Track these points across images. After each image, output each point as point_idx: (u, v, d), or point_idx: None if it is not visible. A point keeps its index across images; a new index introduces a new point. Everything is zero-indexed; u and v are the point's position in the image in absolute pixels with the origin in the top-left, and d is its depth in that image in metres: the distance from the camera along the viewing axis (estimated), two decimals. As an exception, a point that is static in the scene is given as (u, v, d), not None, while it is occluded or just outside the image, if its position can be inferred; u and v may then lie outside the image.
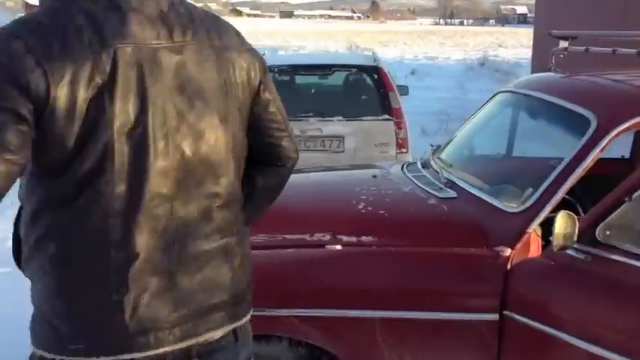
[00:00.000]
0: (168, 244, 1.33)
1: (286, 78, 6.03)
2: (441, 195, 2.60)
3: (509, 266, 2.16)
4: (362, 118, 5.70)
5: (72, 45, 1.21)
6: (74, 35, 1.22)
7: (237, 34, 1.48)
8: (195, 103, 1.35)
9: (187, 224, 1.36)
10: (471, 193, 2.55)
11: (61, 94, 1.20)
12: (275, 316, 2.11)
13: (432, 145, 3.39)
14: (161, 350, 1.33)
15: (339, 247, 2.27)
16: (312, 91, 6.20)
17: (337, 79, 6.27)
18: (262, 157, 1.56)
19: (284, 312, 2.11)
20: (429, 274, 2.23)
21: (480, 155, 3.32)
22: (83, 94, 1.21)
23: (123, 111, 1.25)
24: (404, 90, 6.63)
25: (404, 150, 5.68)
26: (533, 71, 12.59)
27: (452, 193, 2.60)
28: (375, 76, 5.81)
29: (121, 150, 1.26)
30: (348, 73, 6.11)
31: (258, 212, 1.66)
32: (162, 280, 1.33)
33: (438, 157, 3.07)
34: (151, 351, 1.32)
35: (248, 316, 1.50)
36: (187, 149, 1.34)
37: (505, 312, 2.12)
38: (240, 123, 1.44)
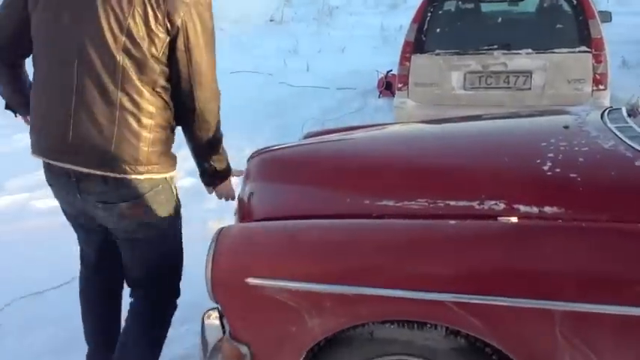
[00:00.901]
0: (71, 94, 1.97)
1: (470, 6, 5.40)
2: (653, 154, 2.01)
3: None
4: (554, 50, 4.96)
5: None
6: None
7: None
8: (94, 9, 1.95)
9: (86, 86, 1.96)
10: (694, 153, 1.94)
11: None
12: (429, 301, 1.72)
13: (642, 87, 2.71)
14: (50, 161, 2.07)
15: (514, 219, 1.81)
16: (499, 20, 5.50)
17: (528, 5, 5.51)
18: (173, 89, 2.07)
19: (441, 296, 1.71)
20: (635, 258, 1.70)
21: None
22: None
23: (53, 12, 1.99)
24: (606, 16, 5.71)
25: (602, 87, 4.89)
26: None
27: (668, 152, 2.00)
28: (574, 1, 5.00)
29: (45, 27, 2.01)
30: (541, -2, 5.34)
31: (192, 134, 2.16)
32: (62, 117, 1.99)
33: (651, 104, 2.42)
34: (42, 157, 2.10)
35: (127, 175, 2.01)
36: (86, 41, 1.95)
37: None
38: (143, 40, 1.95)
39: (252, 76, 7.67)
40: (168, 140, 2.11)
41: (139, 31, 1.94)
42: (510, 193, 1.91)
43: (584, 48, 4.90)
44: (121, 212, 2.07)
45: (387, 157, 2.26)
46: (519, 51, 5.00)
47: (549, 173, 1.97)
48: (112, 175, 2.00)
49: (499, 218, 1.83)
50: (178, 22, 1.96)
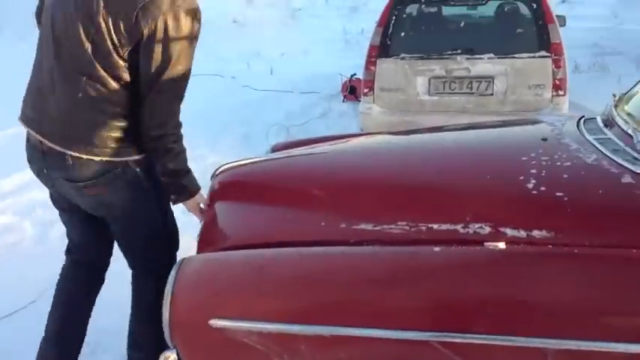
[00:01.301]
0: (45, 72, 2.08)
1: (433, 9, 5.20)
2: (638, 170, 1.82)
3: None
4: (515, 55, 4.81)
5: None
6: None
7: None
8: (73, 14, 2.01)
9: (56, 66, 2.03)
10: (682, 169, 1.76)
11: None
12: (411, 341, 1.49)
13: (614, 95, 2.53)
14: (27, 130, 2.16)
15: (502, 245, 1.60)
16: (462, 24, 5.32)
17: (489, 9, 5.35)
18: None
19: (426, 336, 1.49)
20: (636, 289, 1.51)
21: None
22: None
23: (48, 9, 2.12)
24: (561, 21, 5.57)
25: (561, 93, 4.78)
26: None
27: (653, 168, 1.81)
28: (534, 6, 4.87)
29: (44, 23, 2.13)
30: (503, 2, 5.17)
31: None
32: (36, 92, 2.12)
33: (628, 114, 2.24)
34: (24, 124, 2.16)
35: (82, 156, 2.04)
36: (62, 25, 2.04)
37: None
38: (109, 37, 1.96)
39: (215, 80, 7.36)
40: (133, 128, 2.07)
41: (108, 28, 1.95)
42: (496, 215, 1.70)
43: (543, 53, 4.78)
44: (81, 190, 2.11)
45: (363, 176, 2.03)
46: (482, 56, 4.84)
47: (535, 192, 1.77)
48: (68, 153, 2.04)
49: (486, 244, 1.62)
50: (145, 30, 1.94)
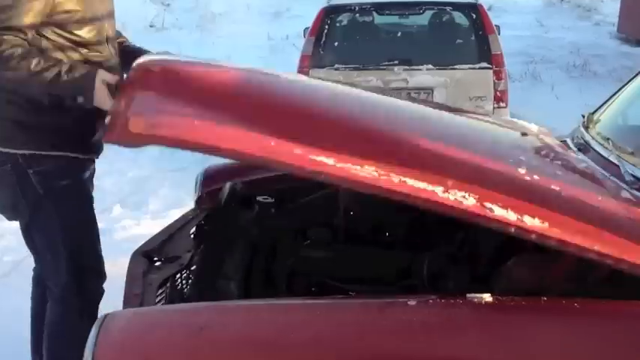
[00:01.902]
0: None
1: (368, 19, 5.04)
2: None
3: None
4: (455, 66, 4.71)
5: None
6: None
7: None
8: None
9: None
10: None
11: None
12: None
13: (583, 116, 2.36)
14: None
15: (488, 297, 1.38)
16: (399, 34, 5.18)
17: (427, 19, 5.22)
18: None
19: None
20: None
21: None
22: None
23: None
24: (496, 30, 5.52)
25: (502, 104, 4.75)
26: (622, 6, 10.96)
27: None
28: (474, 16, 4.80)
29: None
30: (440, 11, 5.05)
31: None
32: None
33: (606, 138, 2.05)
34: None
35: None
36: None
37: None
38: None
39: (131, 87, 6.92)
40: (20, 116, 1.98)
41: None
42: (482, 188, 1.42)
43: (484, 64, 4.72)
44: None
45: (331, 107, 1.79)
46: (420, 67, 4.71)
47: (528, 178, 1.55)
48: None
49: (468, 296, 1.36)
50: None
